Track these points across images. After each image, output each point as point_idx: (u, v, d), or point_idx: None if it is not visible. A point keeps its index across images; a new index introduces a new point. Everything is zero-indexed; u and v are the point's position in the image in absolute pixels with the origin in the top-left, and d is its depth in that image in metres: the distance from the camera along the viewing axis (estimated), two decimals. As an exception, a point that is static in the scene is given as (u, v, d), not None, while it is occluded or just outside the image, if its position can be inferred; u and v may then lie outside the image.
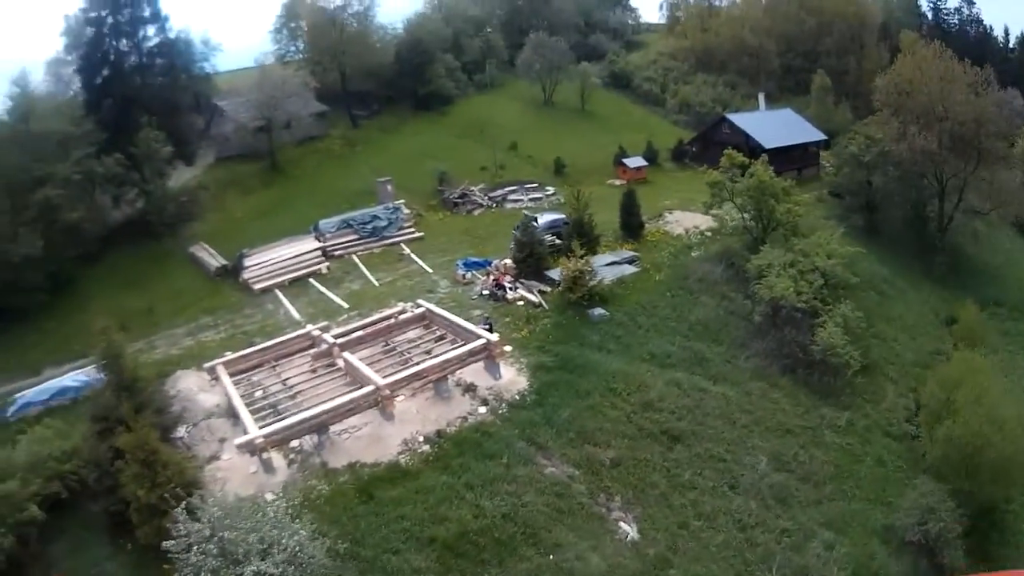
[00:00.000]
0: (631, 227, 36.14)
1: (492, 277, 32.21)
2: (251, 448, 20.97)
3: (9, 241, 31.64)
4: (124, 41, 41.54)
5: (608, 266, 32.85)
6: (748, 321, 30.09)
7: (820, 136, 53.13)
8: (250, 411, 22.65)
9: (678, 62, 68.37)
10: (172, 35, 43.52)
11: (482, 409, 24.01)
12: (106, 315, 31.23)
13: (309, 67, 54.79)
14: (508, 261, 33.22)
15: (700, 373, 27.02)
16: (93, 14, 40.36)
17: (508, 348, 26.99)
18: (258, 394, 24.64)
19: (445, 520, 19.30)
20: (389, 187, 43.01)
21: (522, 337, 28.13)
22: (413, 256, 37.57)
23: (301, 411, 22.36)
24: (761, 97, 61.60)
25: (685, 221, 38.32)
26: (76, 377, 25.68)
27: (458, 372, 25.00)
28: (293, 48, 57.71)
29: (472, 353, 25.07)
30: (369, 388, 23.05)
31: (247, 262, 36.11)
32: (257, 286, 34.73)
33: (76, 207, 34.62)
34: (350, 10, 55.29)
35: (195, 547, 15.52)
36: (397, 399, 23.74)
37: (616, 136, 53.05)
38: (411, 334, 28.27)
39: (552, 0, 73.10)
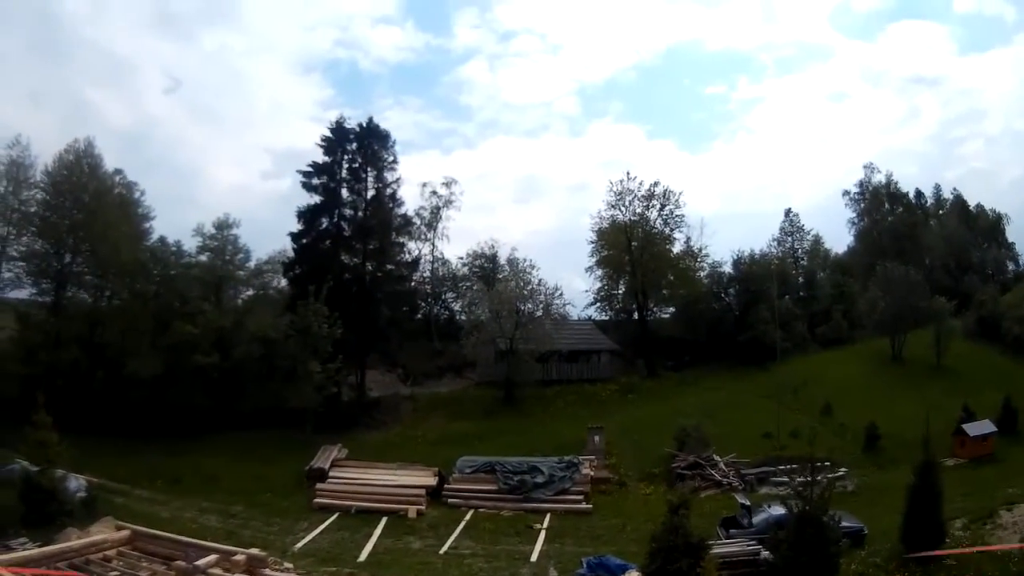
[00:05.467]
0: (919, 541, 19.07)
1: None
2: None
3: (133, 356, 33.62)
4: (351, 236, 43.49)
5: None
6: None
7: None
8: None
9: (1056, 293, 53.70)
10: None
11: None
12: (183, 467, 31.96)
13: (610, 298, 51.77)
14: (636, 574, 19.03)
15: None
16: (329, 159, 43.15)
17: None
18: (113, 573, 18.47)
19: None
20: (597, 437, 34.16)
21: None
22: (542, 534, 25.44)
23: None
24: None
25: (1030, 523, 20.78)
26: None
27: None
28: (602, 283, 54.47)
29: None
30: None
31: (333, 473, 30.97)
32: (317, 500, 28.22)
33: (212, 353, 34.68)
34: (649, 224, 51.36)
35: None
36: None
37: (972, 398, 37.25)
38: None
39: (922, 237, 63.98)
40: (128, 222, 39.05)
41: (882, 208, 67.34)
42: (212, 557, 18.32)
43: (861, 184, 69.27)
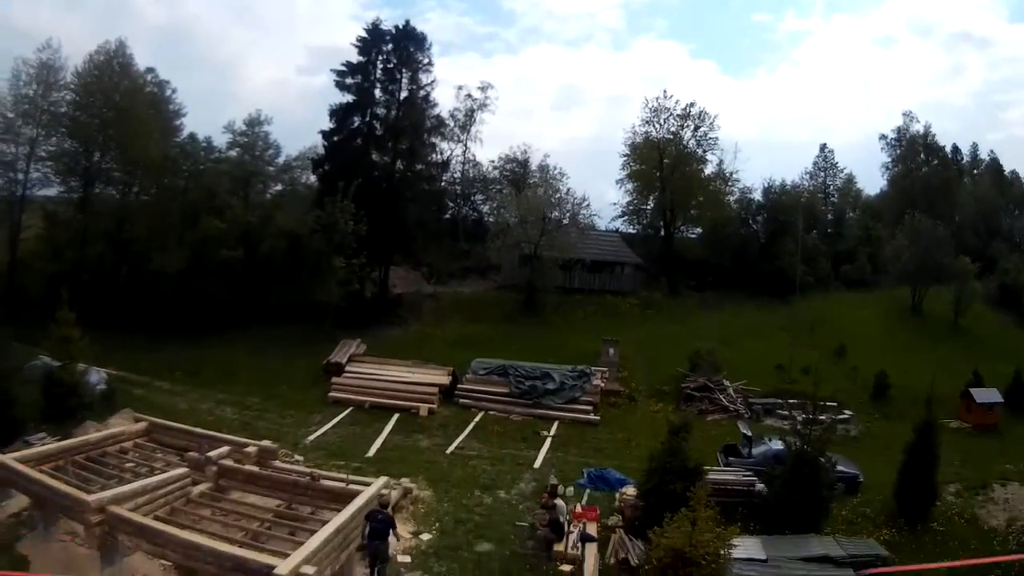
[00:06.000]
0: (911, 500, 19.39)
1: (544, 503, 17.54)
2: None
3: (159, 251, 34.40)
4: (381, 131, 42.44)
5: (803, 562, 15.29)
6: None
7: None
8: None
9: (1079, 264, 52.72)
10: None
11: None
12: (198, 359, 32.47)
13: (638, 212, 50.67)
14: (632, 490, 19.58)
15: None
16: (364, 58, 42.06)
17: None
18: (128, 464, 19.13)
19: None
20: (611, 350, 34.23)
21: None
22: (548, 441, 26.20)
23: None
24: None
25: (1020, 501, 21.15)
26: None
27: None
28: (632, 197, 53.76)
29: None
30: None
31: (350, 368, 31.46)
32: (332, 394, 29.25)
33: (237, 247, 35.26)
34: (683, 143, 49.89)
35: None
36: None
37: (984, 365, 36.27)
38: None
39: (955, 194, 62.36)
40: (159, 119, 38.94)
41: (917, 158, 65.40)
42: (224, 448, 19.18)
43: (899, 131, 67.28)
